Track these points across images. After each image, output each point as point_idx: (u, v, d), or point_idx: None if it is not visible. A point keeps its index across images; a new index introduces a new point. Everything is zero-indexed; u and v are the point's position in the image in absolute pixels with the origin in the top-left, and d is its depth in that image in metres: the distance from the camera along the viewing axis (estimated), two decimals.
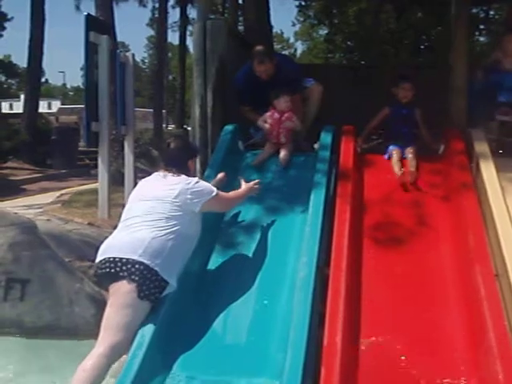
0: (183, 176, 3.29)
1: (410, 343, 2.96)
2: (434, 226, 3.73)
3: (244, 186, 3.66)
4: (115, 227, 3.26)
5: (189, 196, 3.19)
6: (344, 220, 3.58)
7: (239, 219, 3.83)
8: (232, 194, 3.56)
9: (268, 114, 4.37)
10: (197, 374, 2.86)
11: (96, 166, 6.19)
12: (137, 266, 2.96)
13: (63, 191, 9.20)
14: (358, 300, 3.20)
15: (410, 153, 4.24)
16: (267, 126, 4.35)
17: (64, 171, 13.02)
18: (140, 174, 8.56)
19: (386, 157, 4.33)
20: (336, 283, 3.15)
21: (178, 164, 3.33)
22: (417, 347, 2.93)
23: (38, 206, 7.28)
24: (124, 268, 2.96)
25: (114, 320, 2.92)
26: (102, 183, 6.05)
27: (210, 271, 3.45)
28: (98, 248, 3.14)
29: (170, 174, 3.29)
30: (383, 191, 4.03)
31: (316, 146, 4.38)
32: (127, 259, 2.97)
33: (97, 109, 5.89)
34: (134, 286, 2.93)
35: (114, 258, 3.00)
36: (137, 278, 2.94)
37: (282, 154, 4.28)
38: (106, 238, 3.19)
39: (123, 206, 6.26)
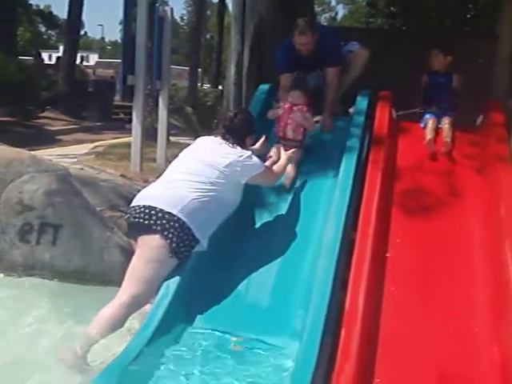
0: (238, 148, 3.32)
1: (433, 310, 2.95)
2: (466, 197, 3.67)
3: (283, 155, 3.68)
4: (146, 181, 3.30)
5: (238, 168, 3.23)
6: (374, 186, 3.55)
7: None
8: (276, 167, 3.59)
9: (280, 104, 4.07)
10: (217, 328, 2.92)
11: (130, 121, 6.23)
12: (172, 223, 2.95)
13: (97, 143, 9.31)
14: (382, 265, 3.19)
15: (446, 122, 4.15)
16: (274, 114, 3.99)
17: (99, 124, 13.14)
18: (173, 130, 8.62)
19: (421, 125, 4.25)
20: (362, 248, 3.14)
21: (237, 137, 3.37)
22: (439, 314, 2.93)
23: (73, 156, 7.41)
24: (158, 222, 2.95)
25: (139, 272, 2.94)
26: (135, 137, 6.10)
27: (237, 230, 3.47)
28: (129, 199, 3.19)
29: (227, 143, 3.33)
30: (416, 159, 3.97)
31: (351, 110, 4.32)
32: (164, 213, 2.95)
33: (133, 62, 5.88)
34: (165, 243, 2.94)
35: (150, 207, 2.97)
36: (170, 236, 2.94)
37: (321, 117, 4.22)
38: (138, 190, 3.23)
39: (155, 160, 6.43)
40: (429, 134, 4.06)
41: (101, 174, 4.64)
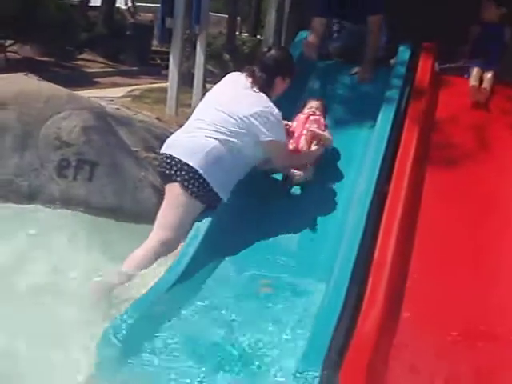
0: (265, 97, 3.11)
1: (464, 264, 2.93)
2: (504, 153, 3.58)
3: (314, 147, 3.36)
4: (181, 125, 3.30)
5: (262, 123, 3.04)
6: (411, 139, 3.50)
7: None
8: (295, 155, 3.33)
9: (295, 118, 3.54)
10: (246, 268, 2.95)
11: (167, 67, 6.22)
12: (191, 175, 2.98)
13: (134, 87, 9.34)
14: (414, 219, 3.17)
15: (489, 74, 4.02)
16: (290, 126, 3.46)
17: (136, 68, 13.13)
18: (210, 77, 8.56)
19: (466, 76, 4.12)
20: (394, 201, 3.13)
21: (267, 74, 3.14)
22: (470, 269, 2.91)
23: (109, 98, 7.44)
24: (178, 173, 3.00)
25: (167, 218, 3.02)
26: (171, 80, 6.10)
27: (269, 176, 3.47)
28: (163, 141, 3.21)
29: (254, 84, 3.12)
30: (456, 114, 3.87)
31: (392, 61, 4.21)
32: (182, 164, 2.99)
33: (173, 5, 5.83)
34: (185, 189, 2.99)
35: (171, 157, 3.03)
36: (190, 186, 2.99)
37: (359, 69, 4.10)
38: (172, 133, 3.24)
39: (190, 105, 6.42)
40: (473, 81, 3.95)
41: (137, 115, 4.67)
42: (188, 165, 2.99)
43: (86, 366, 2.29)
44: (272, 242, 3.15)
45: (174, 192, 3.03)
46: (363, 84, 4.14)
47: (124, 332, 2.34)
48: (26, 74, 4.11)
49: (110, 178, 3.87)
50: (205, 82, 6.93)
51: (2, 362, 2.32)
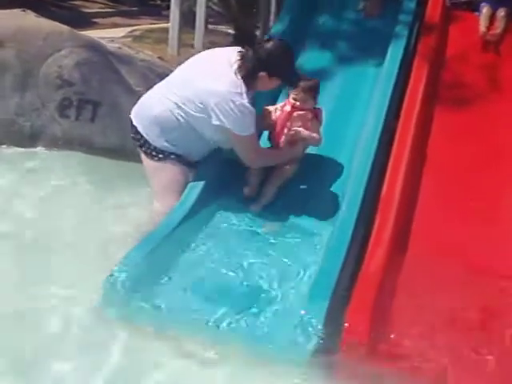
0: (239, 82, 2.74)
1: (467, 205, 2.92)
2: None
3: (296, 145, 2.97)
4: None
5: (220, 106, 2.70)
6: (420, 76, 3.43)
7: (308, 68, 3.67)
8: (272, 152, 2.97)
9: (280, 104, 3.08)
10: (249, 211, 2.90)
11: (167, 8, 6.02)
12: (142, 141, 2.89)
13: (134, 27, 9.10)
14: (422, 158, 3.14)
15: (501, 12, 3.88)
16: (269, 120, 3.01)
17: (135, 9, 12.77)
18: (213, 17, 8.33)
19: (477, 13, 3.99)
20: (402, 138, 3.09)
21: (253, 64, 2.76)
22: (473, 212, 2.89)
23: (110, 38, 7.25)
24: (138, 142, 2.92)
25: (154, 188, 2.95)
26: (173, 20, 5.94)
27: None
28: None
29: (240, 69, 2.77)
30: (467, 51, 3.77)
31: None
32: (137, 131, 2.90)
33: None
34: (146, 156, 2.91)
35: (133, 125, 2.93)
36: (148, 152, 2.89)
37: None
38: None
39: (193, 46, 6.26)
40: (482, 25, 3.83)
41: (138, 54, 4.55)
42: (139, 132, 2.89)
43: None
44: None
45: (144, 162, 2.95)
46: (370, 20, 4.00)
47: (129, 272, 2.34)
48: (23, 11, 3.97)
49: (112, 118, 3.80)
50: (207, 21, 6.74)
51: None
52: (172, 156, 2.89)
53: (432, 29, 3.73)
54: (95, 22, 10.40)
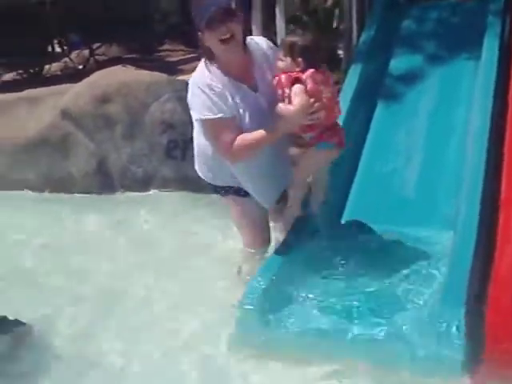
0: (203, 65, 2.47)
1: None
2: None
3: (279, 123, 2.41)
4: None
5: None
6: None
7: (402, 72, 3.66)
8: (251, 135, 2.44)
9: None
10: (362, 224, 2.90)
11: None
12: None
13: None
14: None
15: None
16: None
17: None
18: None
19: None
20: None
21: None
22: None
23: None
24: None
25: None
26: None
27: (376, 124, 3.41)
28: None
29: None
30: None
31: None
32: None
33: None
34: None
35: None
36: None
37: None
38: None
39: None
40: None
41: None
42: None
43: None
44: (388, 189, 3.06)
45: None
46: (457, 17, 3.90)
47: (258, 295, 2.38)
48: (123, 66, 4.27)
49: None
50: None
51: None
52: (220, 191, 2.73)
53: None
54: (180, 69, 10.89)
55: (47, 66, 7.05)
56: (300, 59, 2.37)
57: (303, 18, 7.21)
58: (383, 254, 2.73)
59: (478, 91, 3.18)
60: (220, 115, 2.41)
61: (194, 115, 2.52)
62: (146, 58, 11.65)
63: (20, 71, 6.96)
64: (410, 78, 3.57)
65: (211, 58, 2.45)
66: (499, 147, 2.95)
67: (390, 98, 3.53)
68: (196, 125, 2.61)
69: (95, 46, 8.08)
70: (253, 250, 2.78)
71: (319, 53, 2.42)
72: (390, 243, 2.81)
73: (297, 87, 2.34)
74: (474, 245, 2.49)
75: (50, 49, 7.39)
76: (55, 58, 7.46)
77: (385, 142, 3.30)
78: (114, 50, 10.31)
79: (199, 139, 2.63)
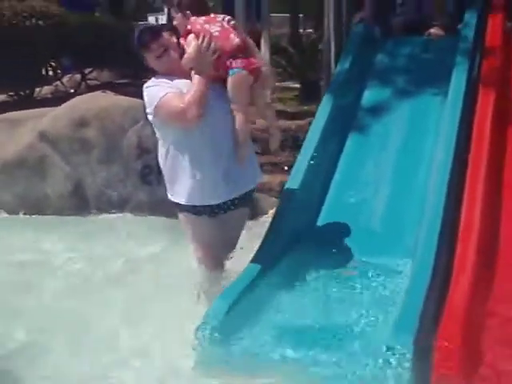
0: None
1: None
2: None
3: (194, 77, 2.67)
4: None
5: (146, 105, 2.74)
6: (487, 104, 3.37)
7: (373, 104, 3.76)
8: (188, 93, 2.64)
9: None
10: (328, 253, 2.93)
11: None
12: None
13: None
14: (497, 186, 3.06)
15: None
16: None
17: None
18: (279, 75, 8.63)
19: None
20: (475, 169, 3.02)
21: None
22: None
23: None
24: None
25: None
26: None
27: (346, 155, 3.48)
28: None
29: None
30: None
31: (460, 26, 4.08)
32: None
33: (232, 5, 5.98)
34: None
35: None
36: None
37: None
38: None
39: None
40: None
41: None
42: None
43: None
44: (354, 218, 3.12)
45: None
46: (429, 53, 4.03)
47: (220, 318, 2.41)
48: (103, 91, 4.35)
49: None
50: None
51: None
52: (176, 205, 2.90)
53: (494, 53, 3.69)
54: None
55: (38, 89, 7.12)
56: (188, 12, 2.74)
57: (288, 49, 7.42)
58: (347, 283, 2.77)
59: (443, 125, 3.27)
60: (168, 90, 2.67)
61: (150, 109, 2.70)
62: (136, 83, 11.82)
63: (11, 93, 7.03)
64: (380, 110, 3.66)
65: (157, 73, 2.78)
66: (462, 179, 3.02)
67: (360, 130, 3.62)
68: (157, 133, 2.81)
69: (87, 70, 8.18)
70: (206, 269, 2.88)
71: (205, 4, 2.86)
72: (356, 272, 2.86)
73: (189, 37, 2.70)
74: (431, 273, 2.54)
75: (43, 72, 7.44)
76: (47, 81, 7.56)
77: (354, 173, 3.37)
78: (106, 75, 10.44)
79: (161, 153, 2.85)
